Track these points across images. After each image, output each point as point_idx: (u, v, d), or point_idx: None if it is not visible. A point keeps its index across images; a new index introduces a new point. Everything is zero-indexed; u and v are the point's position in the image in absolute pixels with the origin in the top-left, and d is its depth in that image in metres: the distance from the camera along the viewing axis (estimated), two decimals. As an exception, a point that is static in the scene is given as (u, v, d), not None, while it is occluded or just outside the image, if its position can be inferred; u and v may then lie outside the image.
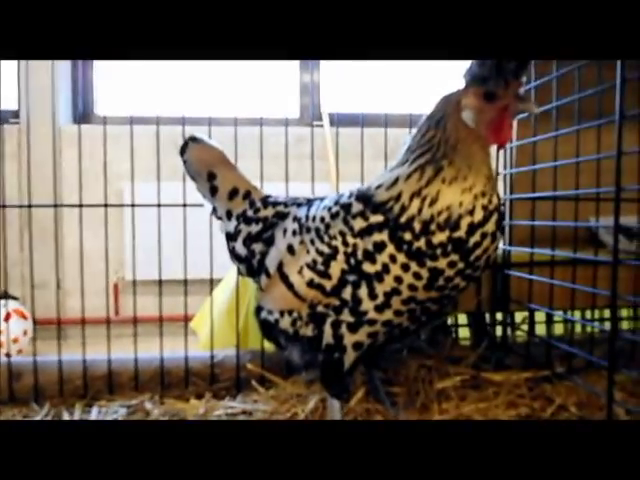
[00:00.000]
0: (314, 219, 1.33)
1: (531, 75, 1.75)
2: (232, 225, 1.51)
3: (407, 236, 1.18)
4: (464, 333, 2.03)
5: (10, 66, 3.73)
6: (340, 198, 1.33)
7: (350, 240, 1.24)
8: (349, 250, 1.24)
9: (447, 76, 3.91)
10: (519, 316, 1.98)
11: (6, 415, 1.60)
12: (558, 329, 2.07)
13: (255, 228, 1.46)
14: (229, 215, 1.52)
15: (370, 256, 1.21)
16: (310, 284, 1.29)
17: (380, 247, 1.20)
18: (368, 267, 1.22)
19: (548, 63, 1.67)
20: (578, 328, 2.07)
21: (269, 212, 1.46)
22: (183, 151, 1.55)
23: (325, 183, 3.56)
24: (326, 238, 1.28)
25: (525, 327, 1.95)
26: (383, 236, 1.20)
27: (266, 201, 1.50)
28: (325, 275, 1.27)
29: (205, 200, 1.58)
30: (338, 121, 2.11)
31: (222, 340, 1.87)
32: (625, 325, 2.19)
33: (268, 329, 1.43)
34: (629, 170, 1.37)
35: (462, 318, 2.05)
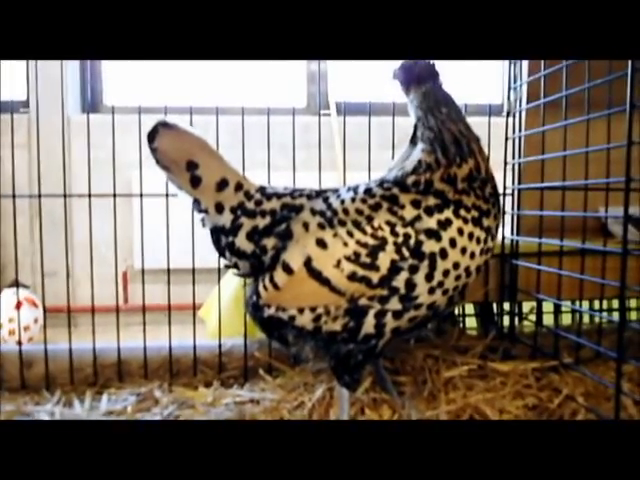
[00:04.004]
0: (346, 212, 1.31)
1: (541, 65, 1.74)
2: (227, 219, 1.39)
3: (468, 201, 1.31)
4: (471, 323, 2.04)
5: (19, 55, 3.74)
6: (370, 189, 1.34)
7: (400, 230, 1.27)
8: (400, 239, 1.27)
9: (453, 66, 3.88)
10: (527, 306, 1.98)
11: (18, 403, 1.62)
12: (566, 319, 2.06)
13: (262, 222, 1.37)
14: (219, 208, 1.40)
15: (434, 234, 1.27)
16: (352, 277, 1.27)
17: (445, 224, 1.28)
18: (432, 246, 1.27)
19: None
20: (586, 318, 2.07)
21: (275, 204, 1.38)
22: (152, 138, 1.38)
23: (332, 172, 3.56)
24: (369, 229, 1.28)
25: (533, 317, 1.94)
26: (448, 213, 1.29)
27: (265, 192, 1.41)
28: (372, 267, 1.27)
29: (181, 192, 1.43)
30: (345, 110, 2.10)
31: (230, 329, 1.88)
32: (633, 315, 2.18)
33: (274, 327, 1.37)
34: (639, 160, 1.36)
35: (469, 308, 2.05)
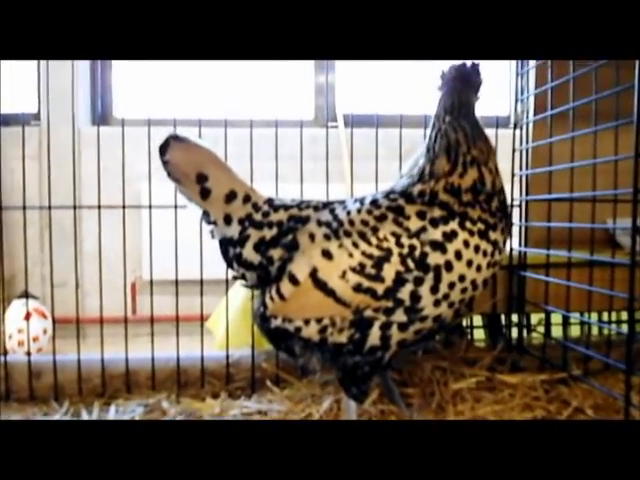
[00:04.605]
0: (352, 223, 1.31)
1: (548, 76, 1.74)
2: (234, 230, 1.40)
3: (474, 214, 1.30)
4: (479, 335, 2.03)
5: (30, 68, 3.79)
6: (376, 200, 1.34)
7: (405, 241, 1.27)
8: (405, 251, 1.26)
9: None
10: (535, 318, 1.97)
11: (26, 413, 1.63)
12: (574, 331, 2.05)
13: (269, 233, 1.37)
14: (228, 220, 1.40)
15: (439, 247, 1.27)
16: (357, 289, 1.27)
17: (451, 236, 1.27)
18: (437, 259, 1.26)
19: (565, 64, 1.66)
20: (595, 330, 2.06)
21: (282, 216, 1.39)
22: (164, 151, 1.40)
23: (339, 184, 3.57)
24: (374, 240, 1.28)
25: (541, 329, 1.94)
26: (453, 225, 1.28)
27: (273, 204, 1.41)
28: (377, 278, 1.27)
29: (191, 203, 1.44)
30: (353, 122, 2.11)
31: (237, 340, 1.88)
32: (643, 327, 2.17)
33: (281, 338, 1.36)
34: (647, 171, 1.36)
35: (477, 320, 2.04)
